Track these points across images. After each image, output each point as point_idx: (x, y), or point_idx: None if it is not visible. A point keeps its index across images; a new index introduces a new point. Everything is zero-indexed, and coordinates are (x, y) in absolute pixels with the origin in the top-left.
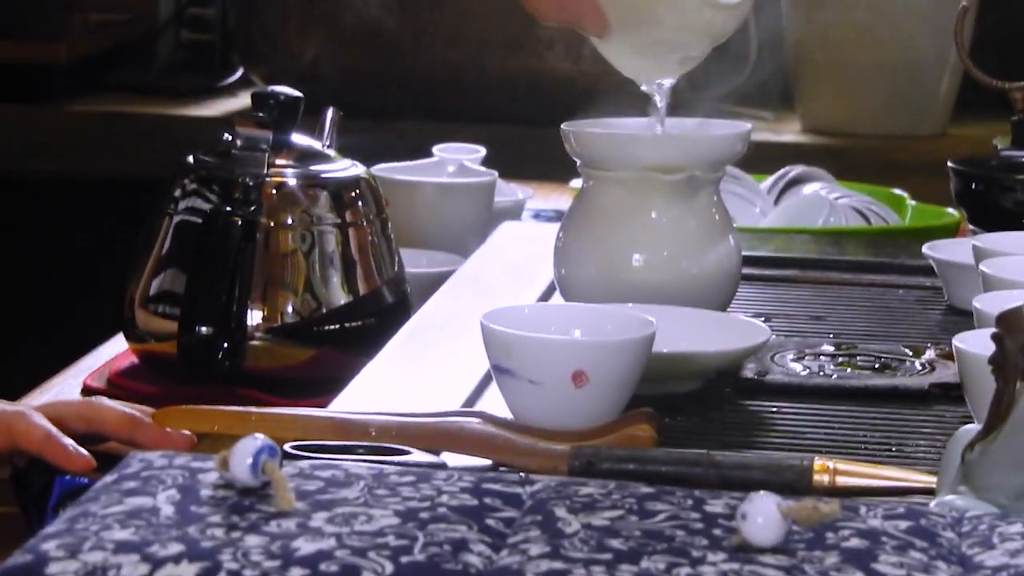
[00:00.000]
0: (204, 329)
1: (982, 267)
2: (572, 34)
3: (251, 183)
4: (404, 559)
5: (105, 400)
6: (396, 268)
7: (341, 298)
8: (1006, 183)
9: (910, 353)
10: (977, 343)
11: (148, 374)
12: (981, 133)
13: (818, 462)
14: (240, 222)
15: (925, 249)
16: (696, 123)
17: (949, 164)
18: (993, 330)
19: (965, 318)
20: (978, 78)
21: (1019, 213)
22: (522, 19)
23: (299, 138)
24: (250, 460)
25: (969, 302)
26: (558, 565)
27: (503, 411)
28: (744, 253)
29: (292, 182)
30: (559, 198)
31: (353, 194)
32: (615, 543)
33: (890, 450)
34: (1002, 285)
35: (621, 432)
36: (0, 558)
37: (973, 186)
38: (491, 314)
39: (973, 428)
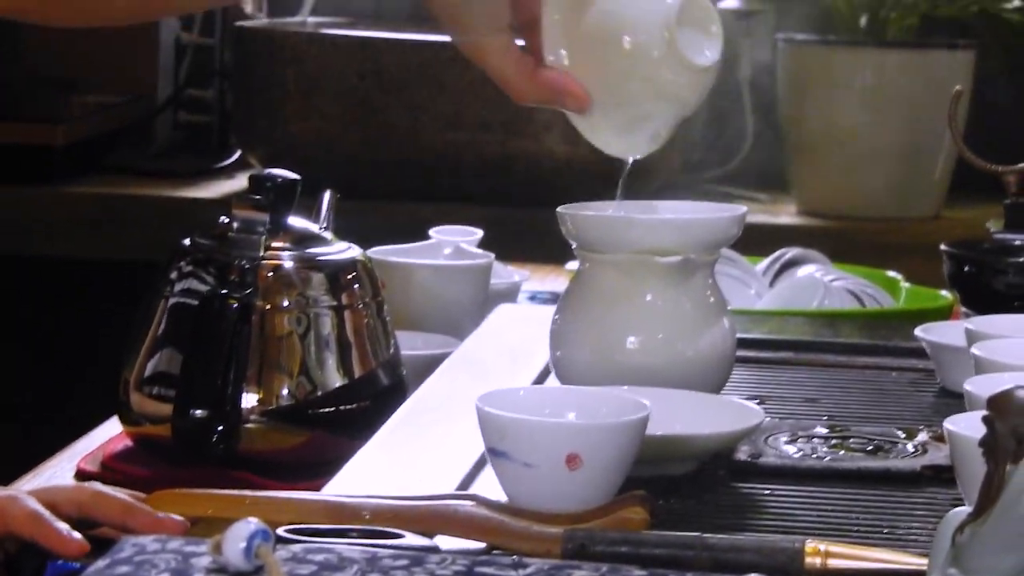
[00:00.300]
0: (199, 412)
1: (974, 350)
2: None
3: (247, 266)
4: None
5: (98, 485)
6: (392, 350)
7: (336, 381)
8: (999, 266)
9: (903, 435)
10: (968, 426)
11: (142, 457)
12: (975, 216)
13: (810, 544)
14: (236, 304)
15: (918, 332)
16: (692, 206)
17: (942, 247)
18: (984, 413)
19: (957, 400)
20: (972, 161)
21: (1012, 296)
22: None
23: (296, 220)
24: (243, 544)
25: (961, 385)
26: None
27: (498, 494)
28: (739, 335)
29: (288, 265)
30: (555, 280)
31: (349, 277)
32: None
33: (882, 532)
34: (994, 368)
35: (615, 515)
36: None
37: (966, 269)
38: (486, 397)
39: (964, 510)
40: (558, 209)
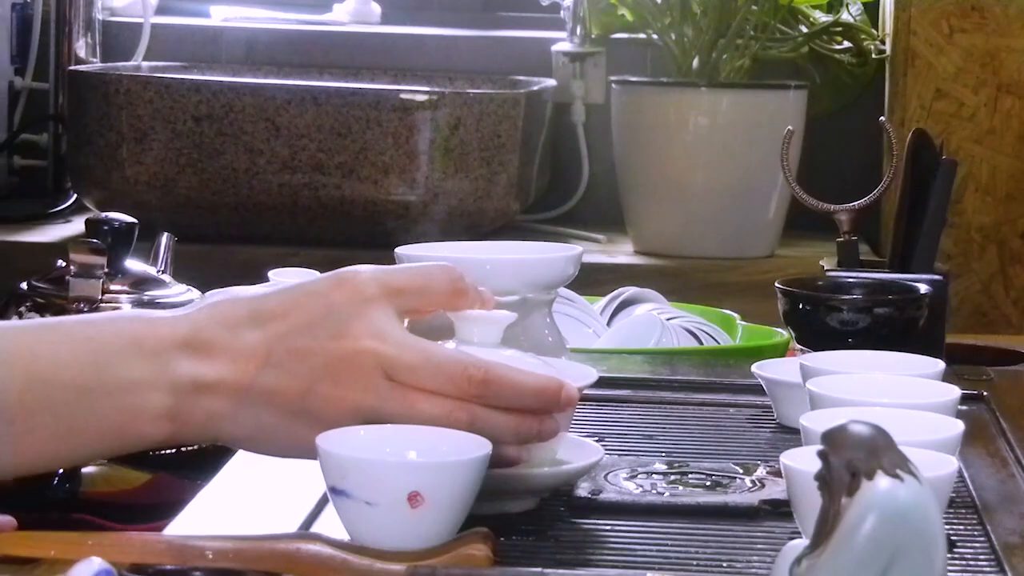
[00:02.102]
0: None
1: (809, 385)
2: (406, 161)
3: (86, 309)
4: None
5: None
6: None
7: None
8: (832, 303)
9: (741, 471)
10: (804, 460)
11: None
12: (808, 254)
13: None
14: None
15: (754, 368)
16: (528, 246)
17: (777, 285)
18: (819, 447)
19: (794, 435)
20: (804, 201)
21: (845, 333)
22: (357, 145)
23: (133, 264)
24: None
25: (797, 420)
26: None
27: (340, 533)
28: None
29: (126, 307)
30: None
31: None
32: None
33: (721, 566)
34: (828, 403)
35: (457, 552)
36: None
37: (800, 306)
38: (326, 436)
39: (801, 543)
40: (396, 250)
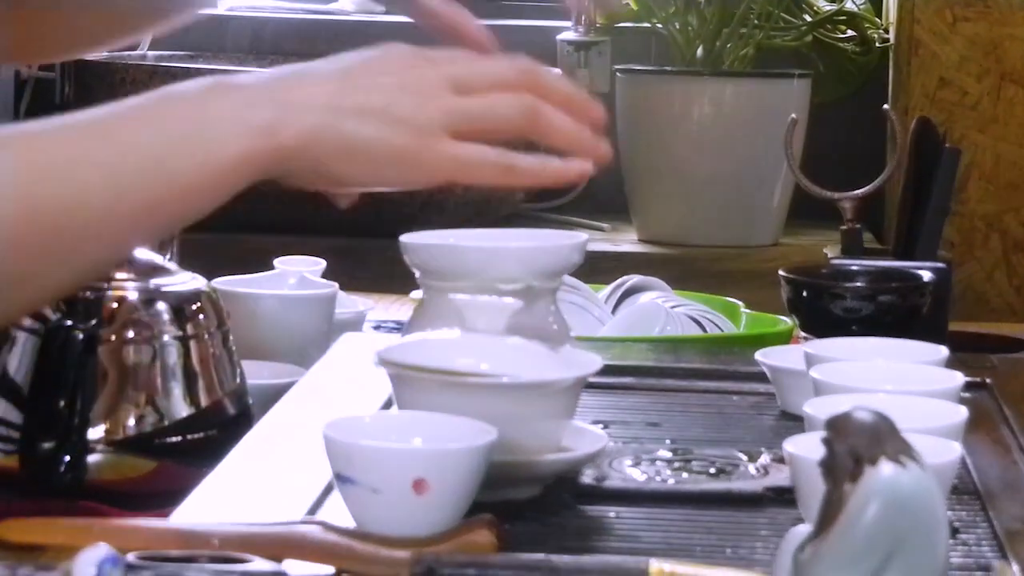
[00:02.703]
0: (45, 443)
1: (812, 373)
2: None
3: (92, 297)
4: None
5: None
6: (238, 380)
7: (183, 410)
8: (836, 291)
9: (745, 458)
10: (808, 447)
11: None
12: (812, 242)
13: (654, 565)
14: (81, 336)
15: (758, 356)
16: (533, 234)
17: (781, 273)
18: (823, 434)
19: (797, 423)
20: (808, 189)
21: (848, 320)
22: None
23: (140, 252)
24: (93, 570)
25: (801, 407)
26: None
27: (346, 520)
28: None
29: (133, 296)
30: (400, 309)
31: (194, 307)
32: None
33: (725, 552)
34: (832, 390)
35: (462, 538)
36: None
37: (804, 294)
38: (333, 423)
39: (805, 529)
40: (401, 238)
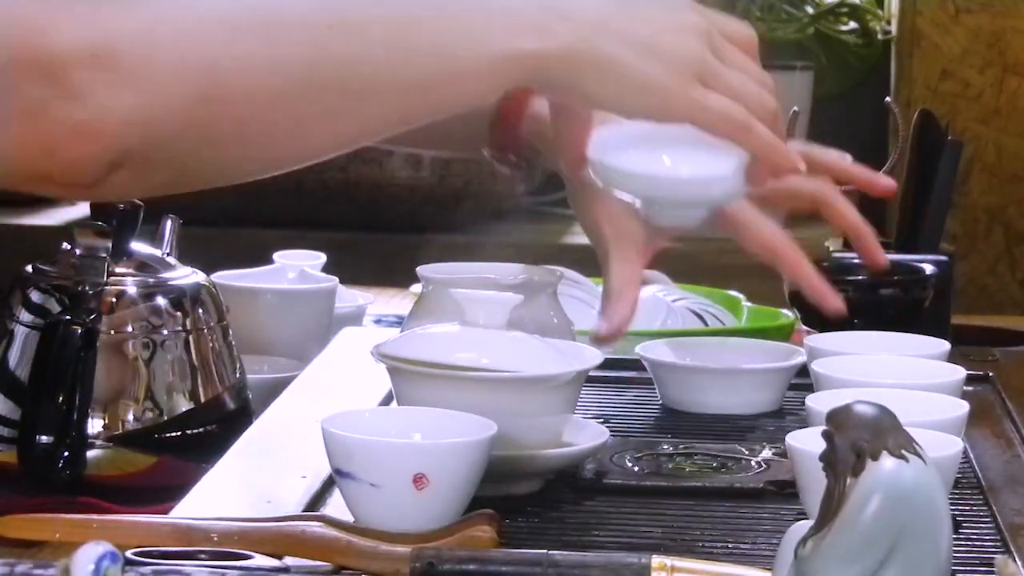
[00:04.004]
0: (44, 438)
1: (813, 367)
2: (411, 143)
3: (91, 292)
4: None
5: None
6: (237, 374)
7: (182, 405)
8: (837, 285)
9: (746, 452)
10: (809, 441)
11: None
12: (814, 235)
13: (656, 560)
14: (80, 330)
15: (637, 350)
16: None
17: None
18: (824, 428)
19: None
20: None
21: (850, 314)
22: None
23: (139, 246)
24: (92, 567)
25: (679, 402)
26: None
27: (345, 515)
28: None
29: (132, 290)
30: (400, 303)
31: (194, 302)
32: None
33: (727, 547)
34: (833, 384)
35: (462, 534)
36: None
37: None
38: (332, 418)
39: (806, 524)
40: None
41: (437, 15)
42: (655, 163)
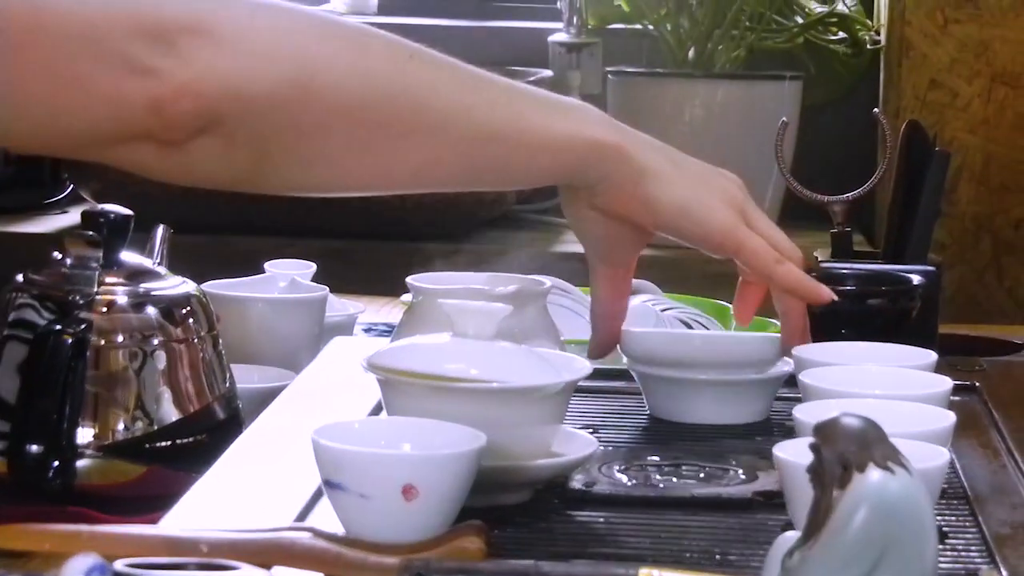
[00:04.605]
0: (34, 447)
1: (801, 377)
2: None
3: (81, 301)
4: None
5: None
6: (227, 384)
7: (172, 415)
8: None
9: (734, 462)
10: (797, 452)
11: None
12: (803, 245)
13: (644, 571)
14: (70, 340)
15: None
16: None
17: None
18: (811, 439)
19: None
20: (798, 192)
21: (838, 323)
22: None
23: (129, 256)
24: None
25: (666, 412)
26: None
27: (335, 526)
28: None
29: (122, 300)
30: (390, 312)
31: (184, 311)
32: None
33: (714, 557)
34: (820, 395)
35: (451, 544)
36: None
37: None
38: (322, 429)
39: (794, 535)
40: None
41: (505, 87)
42: None
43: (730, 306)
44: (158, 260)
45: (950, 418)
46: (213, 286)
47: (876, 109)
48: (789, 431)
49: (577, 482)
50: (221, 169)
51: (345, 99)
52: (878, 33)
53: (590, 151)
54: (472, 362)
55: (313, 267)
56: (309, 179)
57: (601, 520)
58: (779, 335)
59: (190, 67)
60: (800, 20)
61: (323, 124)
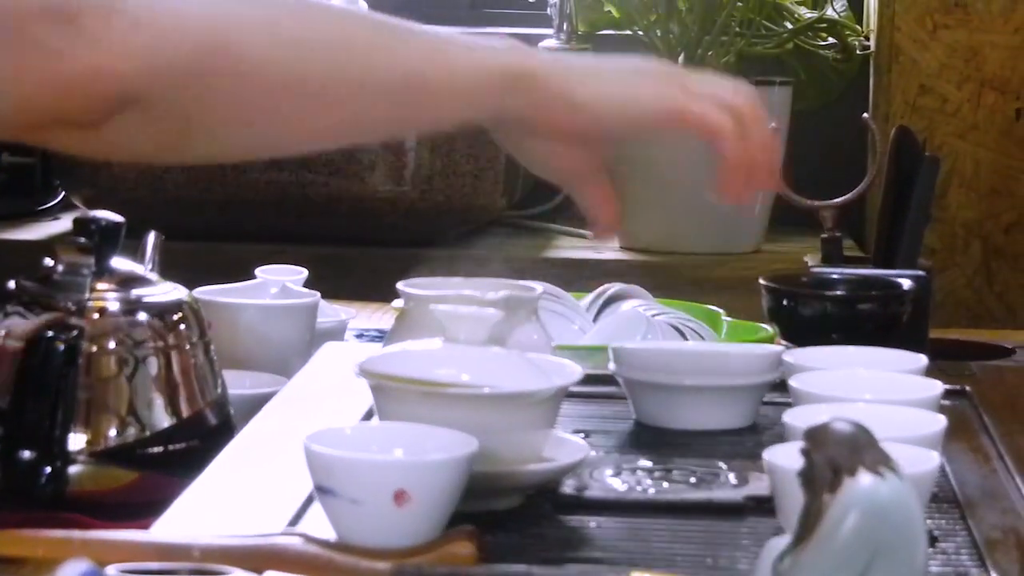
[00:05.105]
0: (26, 454)
1: (791, 382)
2: (393, 157)
3: (73, 308)
4: None
5: None
6: (219, 390)
7: (164, 421)
8: (816, 299)
9: (725, 467)
10: (787, 457)
11: None
12: (793, 250)
13: (635, 575)
14: (62, 347)
15: (611, 366)
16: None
17: (761, 281)
18: (802, 445)
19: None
20: (788, 198)
21: (829, 328)
22: None
23: (121, 262)
24: None
25: (655, 418)
26: None
27: (326, 531)
28: None
29: (114, 307)
30: (381, 318)
31: (175, 317)
32: None
33: (705, 562)
34: (811, 399)
35: (442, 550)
36: None
37: (784, 302)
38: (314, 435)
39: (784, 539)
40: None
41: (423, 29)
42: None
43: (721, 311)
44: (150, 266)
45: (941, 422)
46: (204, 292)
47: (866, 114)
48: (779, 436)
49: (568, 487)
50: (144, 144)
51: (260, 61)
52: (867, 39)
53: (504, 80)
54: (464, 367)
55: (304, 273)
56: (235, 144)
57: (593, 525)
58: (768, 346)
59: (99, 47)
60: (789, 26)
61: (241, 88)
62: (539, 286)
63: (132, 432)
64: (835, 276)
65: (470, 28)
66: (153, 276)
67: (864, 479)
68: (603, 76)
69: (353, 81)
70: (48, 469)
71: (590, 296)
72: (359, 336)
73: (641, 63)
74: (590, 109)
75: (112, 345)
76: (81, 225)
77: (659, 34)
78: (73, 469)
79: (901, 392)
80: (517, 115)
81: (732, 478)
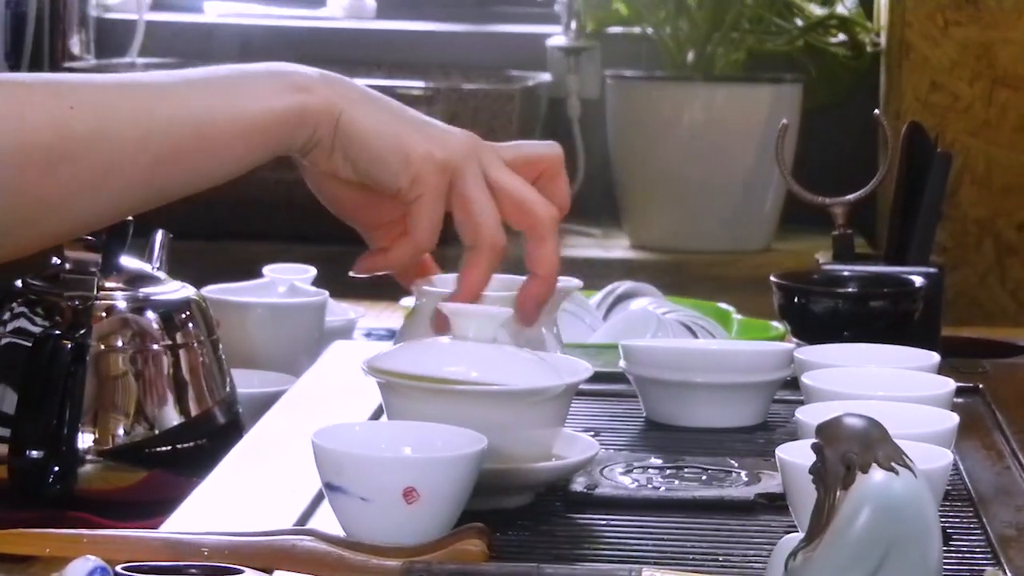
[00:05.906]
0: (34, 453)
1: (803, 379)
2: None
3: (81, 306)
4: None
5: None
6: (228, 389)
7: (173, 420)
8: (827, 297)
9: (736, 465)
10: (799, 454)
11: None
12: (804, 248)
13: (646, 573)
14: (70, 345)
15: (621, 364)
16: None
17: (772, 278)
18: (814, 441)
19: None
20: (799, 195)
21: (840, 326)
22: None
23: (128, 261)
24: None
25: (664, 415)
26: None
27: (336, 529)
28: None
29: (122, 305)
30: (390, 317)
31: (184, 316)
32: None
33: (717, 559)
34: (823, 396)
35: (452, 547)
36: None
37: (795, 300)
38: (322, 432)
39: (796, 536)
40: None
41: (188, 86)
42: None
43: (731, 309)
44: (157, 265)
45: (954, 419)
46: (213, 291)
47: (876, 111)
48: (791, 433)
49: (579, 485)
50: None
51: (27, 151)
52: (878, 35)
53: (287, 122)
54: (473, 365)
55: (313, 271)
56: (16, 240)
57: (603, 523)
58: (778, 343)
59: None
60: (800, 23)
61: (16, 185)
62: (573, 281)
63: (140, 431)
64: (846, 273)
65: (477, 26)
66: (161, 275)
67: (877, 475)
68: (383, 122)
69: (111, 165)
70: (56, 468)
71: (600, 294)
72: (368, 335)
73: (441, 128)
74: (350, 155)
75: (120, 344)
76: None
77: (668, 31)
78: (81, 468)
79: (913, 389)
80: (305, 153)
81: (743, 476)
